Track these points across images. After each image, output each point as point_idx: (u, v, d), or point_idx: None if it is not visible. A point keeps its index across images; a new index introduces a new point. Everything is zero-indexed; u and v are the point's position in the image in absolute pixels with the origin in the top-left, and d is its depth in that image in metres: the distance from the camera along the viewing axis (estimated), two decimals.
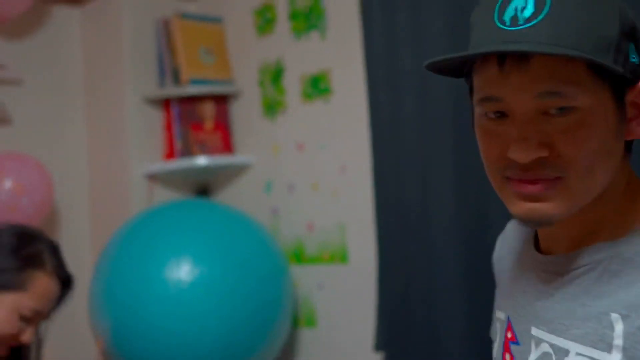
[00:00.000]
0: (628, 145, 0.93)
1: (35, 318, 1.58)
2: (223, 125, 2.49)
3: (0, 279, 1.54)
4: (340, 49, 2.16)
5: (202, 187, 2.58)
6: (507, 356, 1.07)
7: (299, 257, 2.29)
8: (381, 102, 1.96)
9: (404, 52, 1.92)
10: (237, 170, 2.49)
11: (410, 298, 1.87)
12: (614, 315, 0.85)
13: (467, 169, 1.75)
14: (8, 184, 2.19)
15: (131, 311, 1.95)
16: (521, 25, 0.85)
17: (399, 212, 1.91)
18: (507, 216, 1.04)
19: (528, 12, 0.86)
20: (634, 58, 0.88)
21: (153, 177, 2.46)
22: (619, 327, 0.85)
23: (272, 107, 2.37)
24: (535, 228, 1.02)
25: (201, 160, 2.40)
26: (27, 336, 1.56)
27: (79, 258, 2.29)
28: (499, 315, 1.10)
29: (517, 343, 1.04)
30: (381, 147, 1.96)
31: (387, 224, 1.95)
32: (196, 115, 2.47)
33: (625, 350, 0.83)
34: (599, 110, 0.86)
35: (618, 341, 0.85)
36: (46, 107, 2.52)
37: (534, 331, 0.99)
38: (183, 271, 1.97)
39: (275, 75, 2.35)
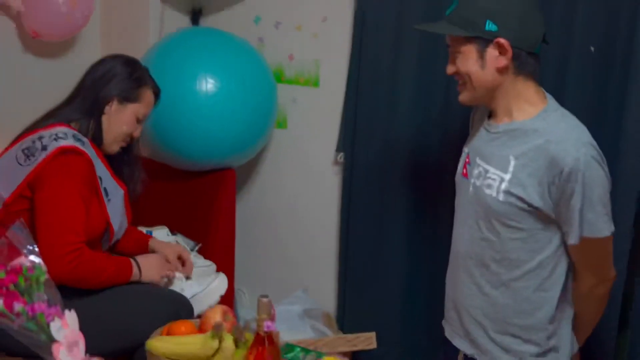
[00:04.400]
0: (523, 73, 1.78)
1: (142, 120, 2.20)
2: None
3: (125, 95, 2.13)
4: None
5: (198, 10, 3.10)
6: (464, 171, 1.90)
7: (279, 78, 2.95)
8: None
9: None
10: (231, 2, 3.02)
11: (374, 116, 2.62)
12: (511, 157, 1.74)
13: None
14: None
15: (171, 112, 2.54)
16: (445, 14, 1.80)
17: (372, 56, 2.59)
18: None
19: (448, 11, 1.79)
20: (489, 27, 1.73)
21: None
22: (512, 163, 1.73)
23: None
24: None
25: None
26: (137, 132, 2.22)
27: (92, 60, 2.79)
28: (464, 149, 1.92)
29: (469, 164, 1.88)
30: (364, 5, 2.59)
31: (361, 61, 2.63)
32: None
33: (512, 173, 1.73)
34: (466, 52, 1.75)
35: (510, 168, 1.74)
36: None
37: (478, 160, 1.83)
38: (209, 85, 2.59)
39: None
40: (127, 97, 2.15)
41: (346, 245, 2.82)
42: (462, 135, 2.11)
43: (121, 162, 2.27)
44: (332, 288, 2.93)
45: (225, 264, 2.74)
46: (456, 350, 1.97)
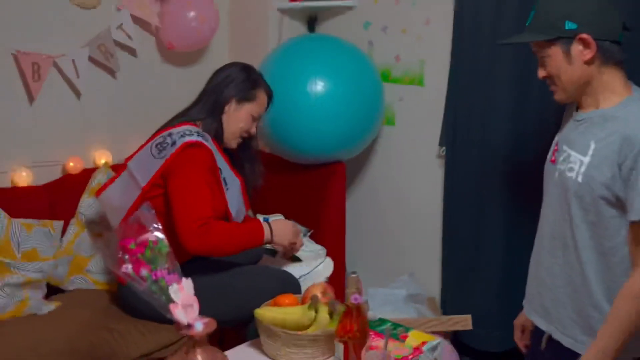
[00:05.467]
0: (610, 63, 1.85)
1: (257, 118, 2.46)
2: None
3: (242, 95, 2.40)
4: None
5: (313, 18, 3.34)
6: (552, 158, 1.99)
7: (386, 78, 3.13)
8: None
9: None
10: (343, 10, 3.24)
11: (473, 112, 2.74)
12: (592, 142, 1.82)
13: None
14: (193, 14, 2.95)
15: (286, 111, 2.80)
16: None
17: (471, 56, 2.72)
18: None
19: (528, 22, 1.90)
20: (569, 26, 1.83)
21: (282, 10, 3.23)
22: (592, 147, 1.82)
23: None
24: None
25: (317, 3, 3.17)
26: (253, 129, 2.47)
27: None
28: (555, 138, 2.02)
29: (557, 151, 1.97)
30: (463, 10, 2.72)
31: (461, 61, 2.77)
32: None
33: (592, 156, 1.81)
34: (553, 54, 1.84)
35: (590, 152, 1.82)
36: None
37: (564, 147, 1.93)
38: (319, 86, 2.82)
39: None
40: (244, 98, 2.41)
41: (449, 234, 2.96)
42: (557, 129, 2.19)
43: (243, 158, 2.54)
44: (436, 274, 3.07)
45: (336, 250, 2.96)
46: (542, 332, 2.06)
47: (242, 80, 2.43)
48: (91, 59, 2.86)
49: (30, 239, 2.48)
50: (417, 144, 3.09)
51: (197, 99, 2.47)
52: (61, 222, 2.63)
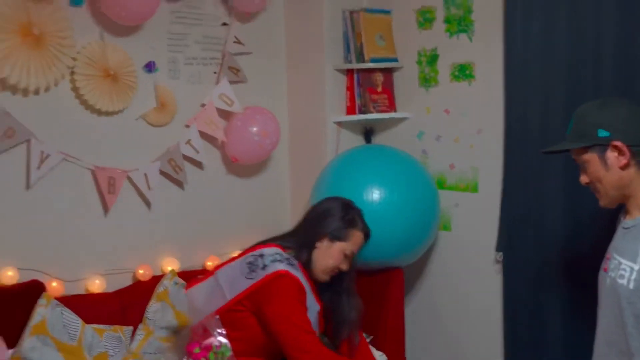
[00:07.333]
0: None
1: (350, 256, 2.47)
2: (389, 90, 3.36)
3: (336, 234, 2.42)
4: (484, 49, 2.98)
5: (369, 130, 3.48)
6: (605, 267, 2.01)
7: (441, 185, 3.21)
8: (515, 90, 2.80)
9: (535, 54, 2.72)
10: (398, 121, 3.38)
11: (527, 218, 2.78)
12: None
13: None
14: (255, 129, 3.13)
15: None
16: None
17: (523, 164, 2.78)
18: None
19: (568, 131, 1.97)
20: (602, 134, 1.91)
21: (339, 123, 3.38)
22: None
23: (426, 81, 3.23)
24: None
25: (373, 115, 3.31)
26: (345, 266, 2.46)
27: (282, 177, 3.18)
28: (608, 248, 2.04)
29: (609, 259, 1.99)
30: (513, 119, 2.82)
31: (513, 169, 2.83)
32: (371, 81, 3.34)
33: None
34: (590, 159, 1.91)
35: (639, 259, 1.82)
36: (264, 71, 3.43)
37: (614, 254, 1.94)
38: (376, 195, 2.91)
39: (430, 59, 3.19)
40: (337, 236, 2.43)
41: (511, 340, 2.92)
42: (609, 233, 2.21)
43: (337, 291, 2.52)
44: None
45: (397, 356, 2.96)
46: None
47: (339, 218, 2.45)
48: (161, 172, 3.04)
49: (102, 344, 2.59)
50: (473, 249, 3.11)
51: (294, 229, 2.53)
52: (131, 328, 2.73)
